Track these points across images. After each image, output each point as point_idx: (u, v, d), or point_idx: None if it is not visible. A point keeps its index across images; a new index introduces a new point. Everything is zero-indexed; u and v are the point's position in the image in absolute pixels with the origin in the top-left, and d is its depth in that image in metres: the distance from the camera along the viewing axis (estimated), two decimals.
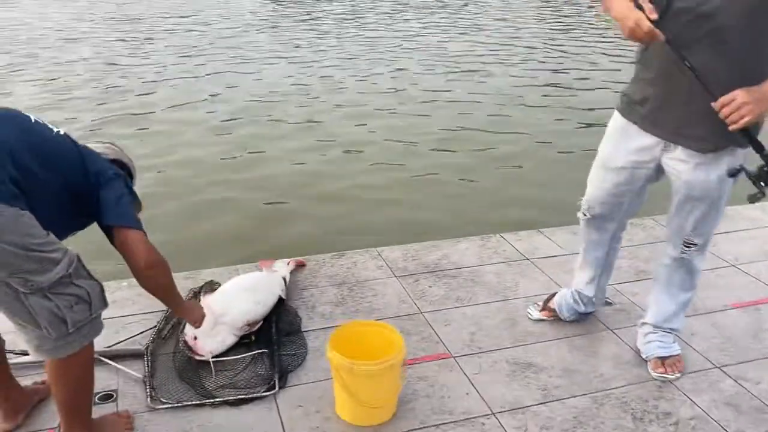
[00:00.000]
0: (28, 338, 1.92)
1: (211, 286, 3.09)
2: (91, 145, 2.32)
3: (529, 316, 3.05)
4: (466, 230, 4.21)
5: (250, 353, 2.72)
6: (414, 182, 5.73)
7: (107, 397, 2.45)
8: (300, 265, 3.46)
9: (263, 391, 2.50)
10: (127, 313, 3.01)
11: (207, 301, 2.80)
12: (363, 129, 7.10)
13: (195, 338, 2.63)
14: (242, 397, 2.47)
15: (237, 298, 2.85)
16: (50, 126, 2.06)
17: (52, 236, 1.86)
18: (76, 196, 2.03)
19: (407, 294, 3.24)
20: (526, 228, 4.10)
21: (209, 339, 2.66)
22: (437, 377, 2.64)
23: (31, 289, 1.80)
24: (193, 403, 2.45)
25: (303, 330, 2.92)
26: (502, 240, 3.86)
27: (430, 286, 3.32)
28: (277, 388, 2.51)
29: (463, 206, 5.27)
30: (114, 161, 2.33)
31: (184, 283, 3.28)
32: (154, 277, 2.19)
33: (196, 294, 3.05)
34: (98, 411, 2.32)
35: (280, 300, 3.02)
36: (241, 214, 5.09)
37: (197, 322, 2.56)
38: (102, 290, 2.02)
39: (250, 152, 6.38)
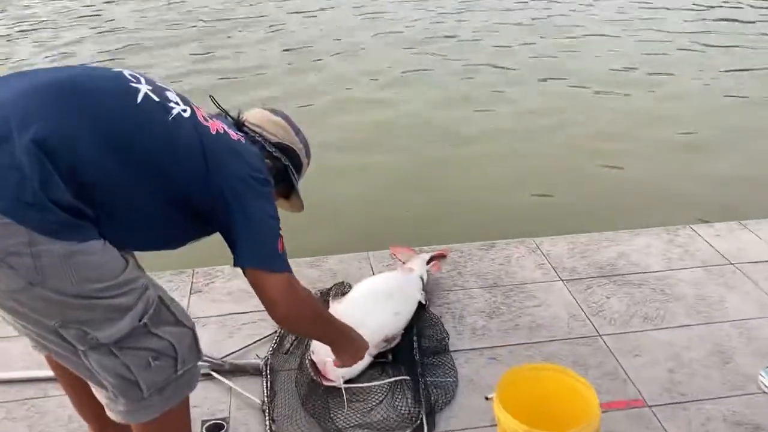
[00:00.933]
0: (99, 395, 1.48)
1: (340, 289, 2.58)
2: (248, 114, 1.80)
3: (764, 386, 2.20)
4: (642, 217, 3.46)
5: (388, 379, 2.20)
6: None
7: (217, 428, 2.03)
8: (440, 257, 2.88)
9: None
10: (243, 309, 2.58)
11: (336, 313, 2.30)
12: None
13: (325, 362, 2.14)
14: None
15: (372, 309, 2.33)
16: (170, 102, 1.44)
17: (129, 272, 1.36)
18: (190, 211, 1.48)
19: (578, 306, 2.59)
20: (722, 217, 3.30)
21: None
22: None
23: (91, 344, 1.32)
24: None
25: (451, 350, 2.36)
26: (693, 235, 3.08)
27: (608, 297, 2.64)
28: None
29: (633, 184, 4.29)
30: (277, 146, 1.80)
31: (307, 272, 2.81)
32: (294, 327, 1.73)
33: (325, 298, 2.56)
34: None
35: (420, 306, 2.48)
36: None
37: (359, 358, 2.08)
38: (195, 338, 1.52)
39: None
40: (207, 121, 1.53)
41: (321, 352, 2.15)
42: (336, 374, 2.13)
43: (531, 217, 3.82)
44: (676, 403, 2.12)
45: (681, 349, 2.34)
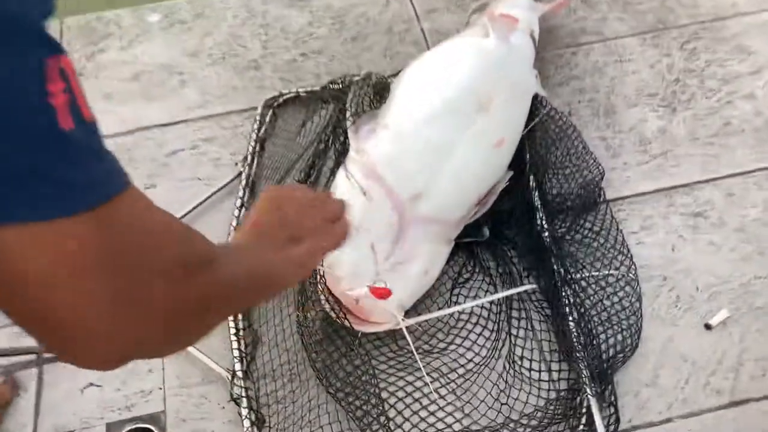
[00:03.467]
0: None
1: (366, 94, 1.16)
2: None
3: None
4: None
5: (494, 296, 1.03)
6: None
7: None
8: None
9: None
10: None
11: (369, 161, 1.01)
12: None
13: (363, 293, 0.93)
14: None
15: (451, 139, 1.03)
16: None
17: None
18: None
19: None
20: None
21: (393, 275, 0.96)
22: None
23: None
24: None
25: (608, 199, 1.14)
26: None
27: None
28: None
29: None
30: None
31: (284, 15, 1.42)
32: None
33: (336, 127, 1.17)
34: None
35: (533, 106, 1.17)
36: None
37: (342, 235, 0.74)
38: None
39: None
40: None
41: (346, 270, 0.94)
42: (388, 307, 0.94)
43: None
44: None
45: None
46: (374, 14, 1.43)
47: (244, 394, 0.95)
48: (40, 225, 0.32)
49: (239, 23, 1.43)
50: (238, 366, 0.97)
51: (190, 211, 1.16)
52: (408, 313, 0.99)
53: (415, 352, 0.95)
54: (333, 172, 1.12)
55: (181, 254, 0.41)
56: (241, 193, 1.16)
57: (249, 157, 1.21)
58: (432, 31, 1.39)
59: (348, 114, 1.09)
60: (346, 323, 0.95)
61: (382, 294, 0.93)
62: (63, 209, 0.32)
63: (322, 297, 0.97)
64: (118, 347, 0.38)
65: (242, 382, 0.96)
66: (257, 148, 1.23)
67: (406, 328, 0.95)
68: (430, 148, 1.01)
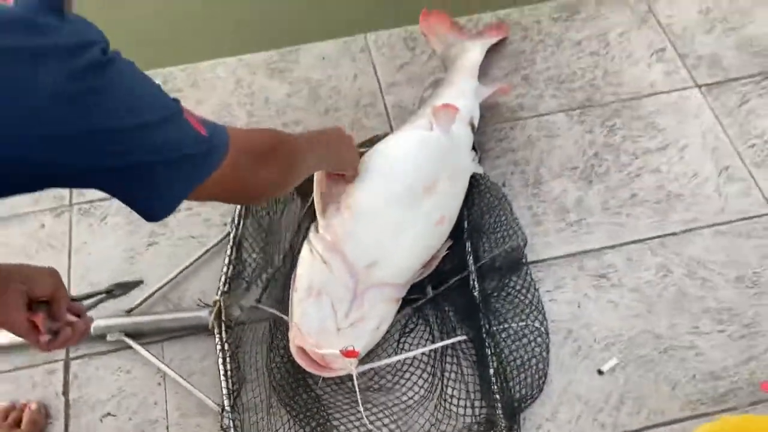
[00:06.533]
0: None
1: (330, 189, 1.39)
2: None
3: None
4: None
5: (432, 345, 1.29)
6: None
7: None
8: (499, 36, 1.70)
9: None
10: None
11: (334, 237, 1.25)
12: None
13: (319, 347, 1.18)
14: None
15: (399, 223, 1.27)
16: None
17: None
18: None
19: (731, 146, 1.55)
20: None
21: (351, 330, 1.22)
22: None
23: None
24: None
25: (529, 260, 1.39)
26: None
27: None
28: None
29: None
30: None
31: (267, 85, 1.66)
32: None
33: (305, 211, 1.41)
34: None
35: (471, 182, 1.43)
36: None
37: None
38: None
39: None
40: None
41: (311, 327, 1.19)
42: (342, 362, 1.19)
43: None
44: None
45: None
46: (345, 87, 1.66)
47: (231, 424, 1.21)
48: (217, 170, 0.77)
49: (228, 93, 1.66)
50: (226, 401, 1.23)
51: (186, 267, 1.40)
52: (362, 360, 1.25)
53: (358, 393, 1.18)
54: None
55: (268, 141, 0.92)
56: (228, 251, 1.41)
57: (236, 219, 1.45)
58: (394, 104, 1.63)
59: (316, 192, 1.32)
60: (310, 371, 1.20)
61: (350, 354, 1.18)
62: (218, 162, 0.78)
63: (291, 347, 1.22)
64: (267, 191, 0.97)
65: (230, 414, 1.21)
66: (242, 211, 1.47)
67: (358, 372, 1.21)
68: (384, 227, 1.26)
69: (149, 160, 0.70)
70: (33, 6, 0.61)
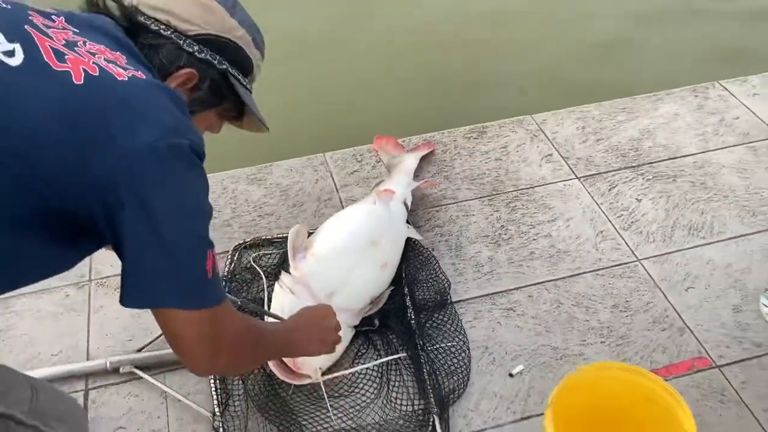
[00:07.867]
0: None
1: (298, 236, 1.86)
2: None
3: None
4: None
5: (378, 360, 1.65)
6: None
7: None
8: (427, 152, 2.23)
9: None
10: None
11: (301, 274, 1.66)
12: None
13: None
14: None
15: (352, 265, 1.69)
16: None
17: None
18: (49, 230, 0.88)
19: (604, 216, 2.03)
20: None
21: None
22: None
23: None
24: None
25: (454, 300, 1.80)
26: (726, 95, 2.48)
27: (638, 199, 2.08)
28: None
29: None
30: (201, 41, 1.06)
31: (247, 190, 2.12)
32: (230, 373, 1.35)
33: (274, 269, 1.85)
34: None
35: (408, 245, 1.87)
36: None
37: (334, 341, 1.38)
38: None
39: None
40: (62, 56, 0.86)
41: None
42: (312, 367, 1.55)
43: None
44: (752, 358, 1.66)
45: (741, 274, 1.85)
46: (308, 188, 2.14)
47: (221, 426, 1.51)
48: (191, 312, 0.90)
49: (215, 197, 2.12)
50: (216, 409, 1.54)
51: None
52: (325, 373, 1.59)
53: (326, 396, 1.53)
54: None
55: (242, 337, 1.01)
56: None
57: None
58: (347, 199, 2.10)
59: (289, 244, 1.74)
60: (283, 379, 1.54)
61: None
62: (198, 304, 0.90)
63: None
64: (215, 370, 1.13)
65: (220, 418, 1.53)
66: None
67: (324, 381, 1.55)
68: (340, 266, 1.68)
69: (163, 248, 0.86)
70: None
